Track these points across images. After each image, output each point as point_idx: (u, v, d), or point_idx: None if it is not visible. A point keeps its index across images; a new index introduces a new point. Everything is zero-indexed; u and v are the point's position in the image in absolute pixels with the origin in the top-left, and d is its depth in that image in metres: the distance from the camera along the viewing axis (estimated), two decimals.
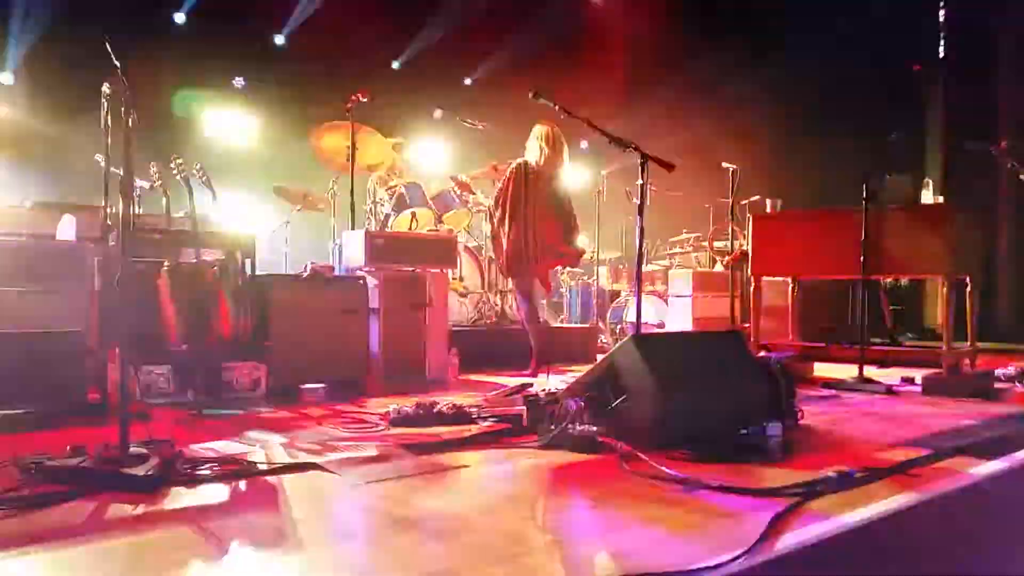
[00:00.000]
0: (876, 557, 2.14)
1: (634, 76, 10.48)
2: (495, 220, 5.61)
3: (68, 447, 2.50)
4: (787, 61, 9.07)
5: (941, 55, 9.68)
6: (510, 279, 5.64)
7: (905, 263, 5.40)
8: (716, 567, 1.72)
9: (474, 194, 6.82)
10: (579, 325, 8.03)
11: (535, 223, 5.47)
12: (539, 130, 5.61)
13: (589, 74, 9.65)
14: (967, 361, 5.64)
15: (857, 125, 7.82)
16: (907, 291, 7.74)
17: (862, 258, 5.16)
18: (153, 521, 2.10)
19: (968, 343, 5.70)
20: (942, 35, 9.71)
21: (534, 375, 5.37)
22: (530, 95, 4.38)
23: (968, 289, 5.64)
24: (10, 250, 3.80)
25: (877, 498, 2.30)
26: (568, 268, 8.55)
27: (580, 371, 4.16)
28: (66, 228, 4.28)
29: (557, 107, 4.35)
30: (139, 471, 2.34)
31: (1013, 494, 2.71)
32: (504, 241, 5.51)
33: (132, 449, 2.49)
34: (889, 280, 7.21)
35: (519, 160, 5.57)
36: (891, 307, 7.09)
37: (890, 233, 5.31)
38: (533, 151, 5.58)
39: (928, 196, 5.51)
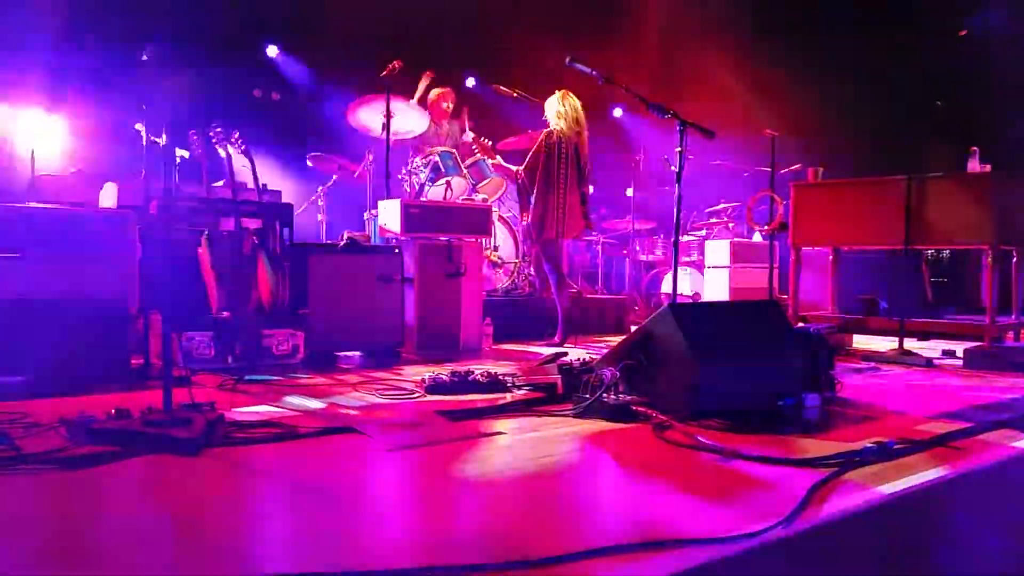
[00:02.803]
0: (915, 529, 2.12)
1: (672, 40, 10.28)
2: (525, 189, 5.59)
3: (113, 410, 2.55)
4: (829, 25, 8.82)
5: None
6: (537, 249, 5.63)
7: (949, 233, 5.27)
8: (753, 535, 1.71)
9: (495, 158, 6.71)
10: (613, 296, 8.00)
11: (565, 192, 5.45)
12: (550, 100, 5.56)
13: (625, 39, 9.49)
14: (1011, 334, 5.52)
15: (901, 92, 7.61)
16: (949, 264, 7.57)
17: (905, 228, 5.05)
18: (200, 481, 2.15)
19: (1012, 316, 5.57)
20: None
21: (562, 344, 5.38)
22: (567, 61, 4.33)
23: (1014, 260, 5.51)
24: (53, 217, 3.86)
25: (916, 470, 2.27)
26: (597, 236, 8.52)
27: (613, 342, 4.15)
28: (108, 196, 4.35)
29: (594, 73, 4.29)
30: (184, 433, 2.39)
31: None
32: (531, 209, 5.50)
33: (176, 412, 2.55)
34: (931, 252, 7.05)
35: (546, 130, 5.53)
36: (932, 279, 6.94)
37: (934, 202, 5.19)
38: (552, 122, 5.54)
39: (974, 165, 5.36)
